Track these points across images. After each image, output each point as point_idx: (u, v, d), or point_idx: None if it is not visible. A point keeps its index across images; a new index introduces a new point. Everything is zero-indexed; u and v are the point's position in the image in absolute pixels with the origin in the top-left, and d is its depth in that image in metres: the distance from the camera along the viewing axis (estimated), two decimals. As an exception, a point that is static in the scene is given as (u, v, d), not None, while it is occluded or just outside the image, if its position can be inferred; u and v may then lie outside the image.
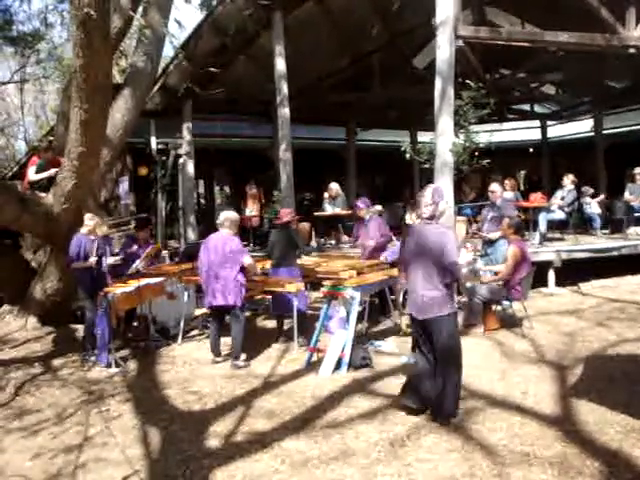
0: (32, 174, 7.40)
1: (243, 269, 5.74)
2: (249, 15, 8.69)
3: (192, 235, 11.04)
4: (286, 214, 6.72)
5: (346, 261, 7.00)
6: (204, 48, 9.61)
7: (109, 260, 6.49)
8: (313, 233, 11.60)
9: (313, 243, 10.46)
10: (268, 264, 6.76)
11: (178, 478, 3.48)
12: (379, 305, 7.27)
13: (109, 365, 5.71)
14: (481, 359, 5.49)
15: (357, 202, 7.56)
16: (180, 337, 6.67)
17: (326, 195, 10.90)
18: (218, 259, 5.67)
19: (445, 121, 7.43)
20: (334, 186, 10.75)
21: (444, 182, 7.48)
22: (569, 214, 9.78)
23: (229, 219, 5.85)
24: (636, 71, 10.41)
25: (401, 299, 6.76)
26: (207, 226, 11.42)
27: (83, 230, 6.29)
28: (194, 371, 5.60)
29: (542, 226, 9.42)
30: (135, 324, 7.11)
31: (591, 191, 10.59)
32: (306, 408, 4.45)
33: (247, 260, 5.73)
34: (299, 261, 6.68)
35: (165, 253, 8.09)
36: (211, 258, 5.72)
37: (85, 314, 6.35)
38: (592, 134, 14.32)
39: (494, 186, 7.85)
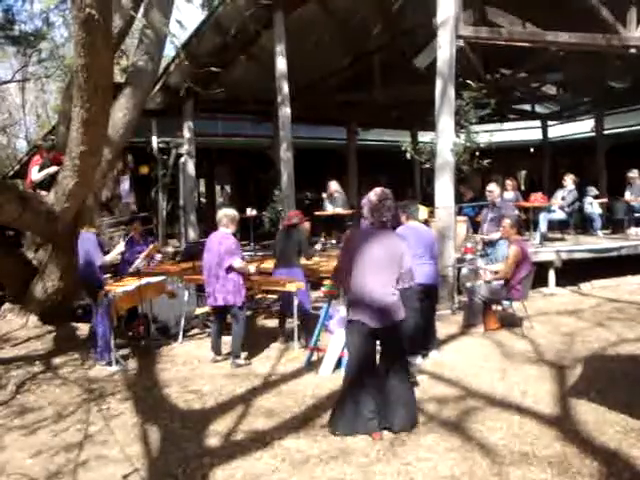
0: (35, 174, 7.41)
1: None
2: (250, 15, 8.69)
3: (193, 234, 11.06)
4: (294, 216, 6.66)
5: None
6: (205, 48, 9.62)
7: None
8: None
9: (318, 246, 10.31)
10: (271, 263, 6.74)
11: (178, 476, 3.49)
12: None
13: (110, 363, 5.72)
14: (481, 359, 5.50)
15: (364, 200, 7.27)
16: (180, 336, 6.67)
17: (324, 195, 10.88)
18: (215, 259, 5.67)
19: (446, 121, 7.44)
20: (332, 184, 10.71)
21: (444, 182, 7.51)
22: (570, 214, 9.80)
23: (227, 216, 5.83)
24: (637, 71, 10.39)
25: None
26: (208, 225, 11.43)
27: (92, 229, 6.38)
28: (194, 370, 5.61)
29: (542, 226, 9.44)
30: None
31: (595, 192, 10.59)
32: (306, 407, 4.46)
33: (236, 263, 5.64)
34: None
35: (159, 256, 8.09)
36: (210, 258, 5.73)
37: (88, 313, 6.37)
38: (593, 134, 14.32)
39: (492, 186, 7.84)
